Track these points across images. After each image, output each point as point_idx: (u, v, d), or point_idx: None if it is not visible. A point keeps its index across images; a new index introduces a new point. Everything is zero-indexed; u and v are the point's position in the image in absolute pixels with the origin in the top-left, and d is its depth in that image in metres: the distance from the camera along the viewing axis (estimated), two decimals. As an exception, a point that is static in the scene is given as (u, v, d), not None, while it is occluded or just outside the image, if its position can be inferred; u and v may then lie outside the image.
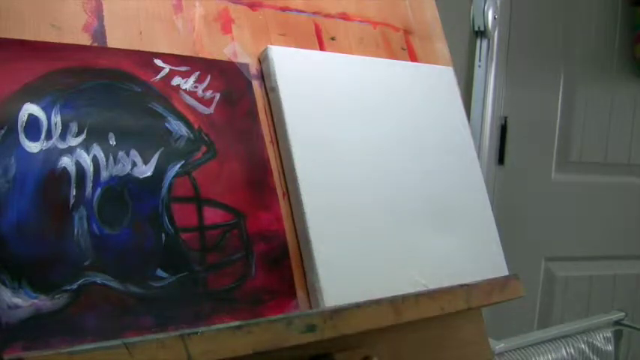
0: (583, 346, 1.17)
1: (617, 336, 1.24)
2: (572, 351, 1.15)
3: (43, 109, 0.50)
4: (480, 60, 1.52)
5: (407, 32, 0.81)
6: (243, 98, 0.62)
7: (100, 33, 0.55)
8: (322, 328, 0.58)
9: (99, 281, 0.49)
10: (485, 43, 1.53)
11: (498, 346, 1.06)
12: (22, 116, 0.49)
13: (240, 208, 0.58)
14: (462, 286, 0.69)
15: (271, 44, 0.66)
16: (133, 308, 0.50)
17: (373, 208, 0.65)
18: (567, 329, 1.17)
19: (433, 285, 0.67)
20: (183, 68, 0.59)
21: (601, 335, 1.20)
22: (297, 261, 0.61)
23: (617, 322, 1.23)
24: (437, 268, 0.69)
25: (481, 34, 1.51)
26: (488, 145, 1.60)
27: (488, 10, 1.49)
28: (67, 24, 0.54)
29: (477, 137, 1.57)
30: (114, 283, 0.50)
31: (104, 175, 0.51)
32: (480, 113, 1.56)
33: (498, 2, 1.51)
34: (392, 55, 0.78)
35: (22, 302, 0.45)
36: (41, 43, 0.52)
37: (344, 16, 0.75)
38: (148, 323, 0.50)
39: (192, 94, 0.59)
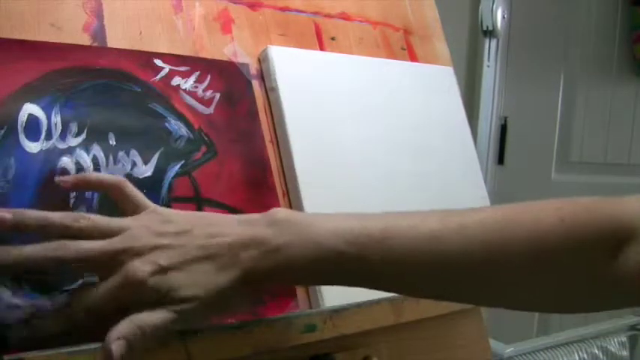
0: (597, 351, 1.16)
1: (633, 341, 1.22)
2: (585, 356, 1.14)
3: (43, 109, 0.50)
4: (488, 60, 1.52)
5: (407, 32, 0.81)
6: (243, 98, 0.62)
7: (100, 33, 0.55)
8: (322, 328, 0.58)
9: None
10: (494, 42, 1.53)
11: (508, 349, 1.05)
12: (22, 116, 0.49)
13: (240, 208, 0.58)
14: (462, 286, 0.69)
15: (271, 44, 0.66)
16: (133, 308, 0.50)
17: (373, 207, 0.65)
18: (580, 333, 1.15)
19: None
20: (183, 68, 0.59)
21: (615, 340, 1.19)
22: (297, 261, 0.60)
23: (633, 327, 1.22)
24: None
25: (489, 33, 1.51)
26: (488, 145, 1.60)
27: (496, 9, 1.49)
28: (67, 24, 0.54)
29: (482, 137, 1.57)
30: (114, 283, 0.50)
31: (104, 175, 0.51)
32: (487, 113, 1.56)
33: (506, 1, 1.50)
34: (392, 55, 0.78)
35: (22, 302, 0.45)
36: (41, 43, 0.52)
37: (344, 16, 0.75)
38: (147, 323, 0.50)
39: (192, 94, 0.59)
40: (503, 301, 0.51)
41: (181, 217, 0.48)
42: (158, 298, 0.44)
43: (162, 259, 0.44)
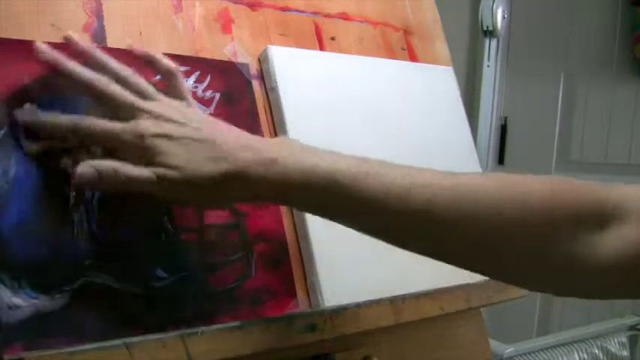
0: (597, 351, 1.16)
1: (633, 341, 1.22)
2: (585, 356, 1.14)
3: (43, 109, 0.50)
4: (488, 60, 1.52)
5: (407, 32, 0.81)
6: (243, 98, 0.62)
7: (100, 33, 0.55)
8: (322, 328, 0.58)
9: (99, 281, 0.49)
10: (494, 42, 1.53)
11: (508, 350, 1.05)
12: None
13: (240, 208, 0.58)
14: (462, 286, 0.69)
15: (271, 44, 0.66)
16: (133, 308, 0.50)
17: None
18: (580, 333, 1.15)
19: (433, 285, 0.67)
20: (183, 68, 0.59)
21: (615, 340, 1.19)
22: (297, 261, 0.61)
23: (633, 327, 1.22)
24: (437, 267, 0.68)
25: (489, 33, 1.51)
26: (487, 145, 1.60)
27: (497, 9, 1.49)
28: (67, 24, 0.54)
29: (482, 137, 1.57)
30: (114, 283, 0.50)
31: (104, 175, 0.51)
32: (487, 113, 1.56)
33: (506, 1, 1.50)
34: (392, 55, 0.78)
35: (22, 302, 0.45)
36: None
37: (344, 16, 0.75)
38: (148, 323, 0.50)
39: (192, 94, 0.59)
40: (491, 267, 0.51)
41: (209, 117, 0.53)
42: (147, 159, 0.48)
43: (170, 129, 0.49)
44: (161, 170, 0.48)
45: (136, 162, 0.48)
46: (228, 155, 0.49)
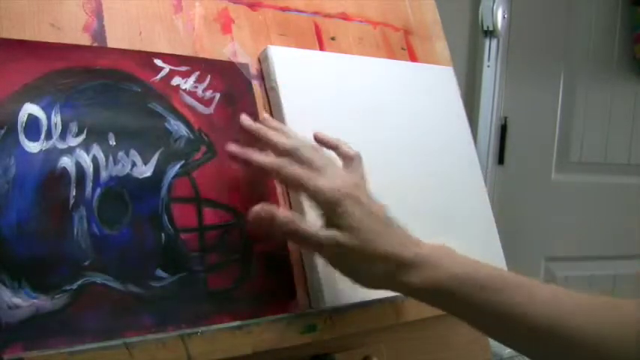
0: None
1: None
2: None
3: (43, 109, 0.50)
4: (488, 60, 1.52)
5: (407, 32, 0.81)
6: (243, 98, 0.62)
7: (100, 33, 0.55)
8: (322, 328, 0.58)
9: (99, 281, 0.49)
10: (494, 42, 1.53)
11: (507, 349, 1.05)
12: (22, 116, 0.49)
13: (239, 209, 0.58)
14: (462, 286, 0.69)
15: (271, 44, 0.66)
16: (133, 308, 0.50)
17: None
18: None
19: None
20: (183, 68, 0.59)
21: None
22: (297, 261, 0.61)
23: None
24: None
25: (489, 33, 1.50)
26: (488, 145, 1.60)
27: (497, 9, 1.48)
28: (67, 24, 0.54)
29: (482, 137, 1.57)
30: (114, 283, 0.50)
31: (104, 175, 0.51)
32: (487, 113, 1.56)
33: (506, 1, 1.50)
34: (392, 55, 0.78)
35: (22, 302, 0.45)
36: (41, 43, 0.52)
37: (344, 16, 0.75)
38: (148, 323, 0.50)
39: (192, 94, 0.59)
40: None
41: (382, 205, 0.58)
42: (332, 212, 0.53)
43: (359, 195, 0.54)
44: (336, 233, 0.52)
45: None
46: (398, 241, 0.54)
